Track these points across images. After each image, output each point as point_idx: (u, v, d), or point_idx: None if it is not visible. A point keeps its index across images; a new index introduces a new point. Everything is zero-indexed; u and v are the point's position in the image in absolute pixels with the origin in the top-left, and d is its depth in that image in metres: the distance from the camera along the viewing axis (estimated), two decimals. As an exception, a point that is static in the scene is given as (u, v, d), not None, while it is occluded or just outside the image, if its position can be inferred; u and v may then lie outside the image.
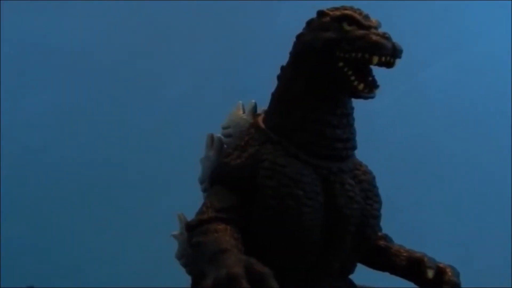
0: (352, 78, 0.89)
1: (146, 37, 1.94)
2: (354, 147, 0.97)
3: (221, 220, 0.88)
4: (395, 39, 0.91)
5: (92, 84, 1.93)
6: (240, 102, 1.04)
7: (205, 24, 1.97)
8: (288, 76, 0.96)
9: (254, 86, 1.96)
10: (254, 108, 1.02)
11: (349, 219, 0.93)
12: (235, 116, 1.03)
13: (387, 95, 2.03)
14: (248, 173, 0.91)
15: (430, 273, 0.97)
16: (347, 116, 0.95)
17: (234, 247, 0.82)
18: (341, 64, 0.89)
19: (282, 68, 0.99)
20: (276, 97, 0.98)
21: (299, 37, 0.96)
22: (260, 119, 0.98)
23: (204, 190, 1.05)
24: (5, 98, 1.87)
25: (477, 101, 2.06)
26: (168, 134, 1.91)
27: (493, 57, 2.06)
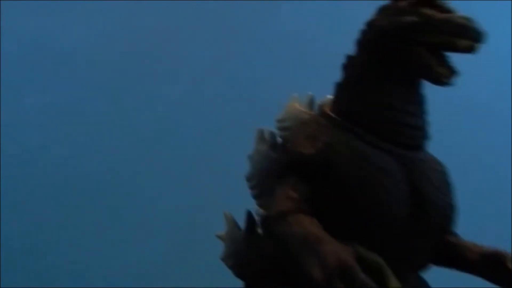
0: (434, 63, 0.85)
1: (146, 37, 1.94)
2: (428, 136, 0.92)
3: (301, 212, 0.82)
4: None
5: (92, 84, 1.92)
6: (296, 94, 1.00)
7: (205, 24, 1.97)
8: (361, 64, 0.90)
9: (254, 85, 1.96)
10: (312, 100, 0.99)
11: (436, 210, 0.87)
12: (293, 109, 0.98)
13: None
14: (324, 162, 0.85)
15: None
16: (422, 104, 0.91)
17: (327, 236, 0.76)
18: (421, 49, 0.85)
19: (349, 57, 0.93)
20: (345, 85, 0.92)
21: (371, 23, 0.91)
22: (326, 108, 0.93)
23: (253, 188, 0.99)
24: (5, 98, 1.87)
25: (477, 100, 2.06)
26: (168, 134, 1.91)
27: (493, 56, 2.06)
